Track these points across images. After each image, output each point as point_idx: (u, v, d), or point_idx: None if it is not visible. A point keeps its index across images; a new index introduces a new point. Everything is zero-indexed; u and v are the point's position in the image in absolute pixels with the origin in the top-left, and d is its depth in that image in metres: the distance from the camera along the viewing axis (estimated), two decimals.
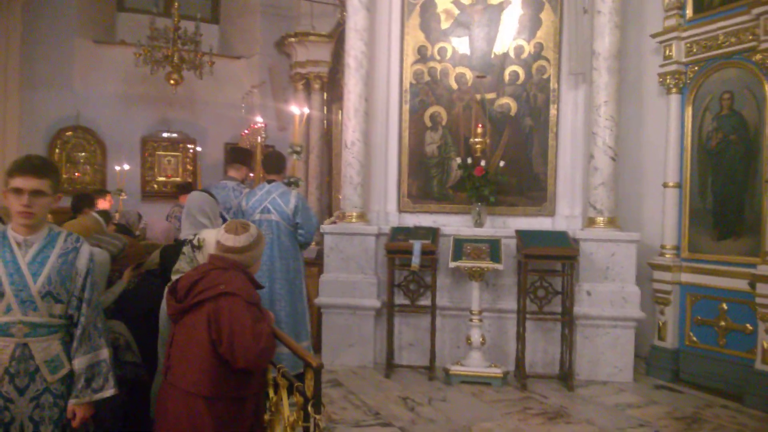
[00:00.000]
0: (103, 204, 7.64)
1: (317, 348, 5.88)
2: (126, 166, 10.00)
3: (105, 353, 2.61)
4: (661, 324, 5.69)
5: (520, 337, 5.46)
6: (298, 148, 5.72)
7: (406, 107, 6.33)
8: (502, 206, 6.13)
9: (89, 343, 2.55)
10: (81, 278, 2.56)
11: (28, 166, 2.44)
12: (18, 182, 2.41)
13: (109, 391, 2.60)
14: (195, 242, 3.19)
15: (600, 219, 5.68)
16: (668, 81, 5.71)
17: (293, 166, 5.95)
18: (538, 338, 5.76)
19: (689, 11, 5.59)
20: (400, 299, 5.82)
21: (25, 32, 9.61)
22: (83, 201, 6.17)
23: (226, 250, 2.75)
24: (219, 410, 2.56)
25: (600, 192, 5.68)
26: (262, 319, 2.67)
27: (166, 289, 2.86)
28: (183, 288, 2.68)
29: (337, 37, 9.32)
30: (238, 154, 6.28)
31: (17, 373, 2.42)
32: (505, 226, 6.07)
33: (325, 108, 10.51)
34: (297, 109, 5.83)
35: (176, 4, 9.80)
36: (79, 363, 2.53)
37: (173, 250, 3.52)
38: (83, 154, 10.56)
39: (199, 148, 7.93)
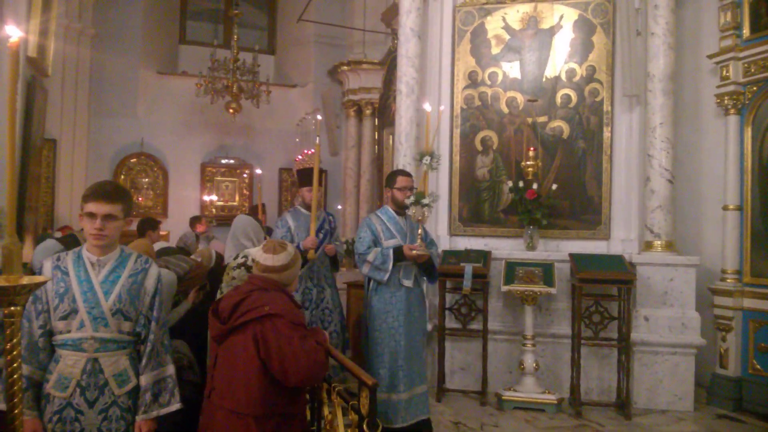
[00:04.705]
0: (200, 228, 8.92)
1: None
2: (213, 197, 10.56)
3: (171, 369, 2.72)
4: (722, 351, 5.50)
5: (575, 363, 5.37)
6: (428, 159, 4.53)
7: (457, 131, 6.39)
8: (554, 229, 6.08)
9: (157, 360, 2.67)
10: (149, 297, 2.69)
11: (101, 192, 2.59)
12: (91, 207, 2.56)
13: (176, 405, 2.70)
14: (244, 262, 3.25)
15: (657, 243, 5.58)
16: (726, 102, 5.60)
17: (423, 178, 4.73)
18: (594, 364, 5.65)
19: (746, 31, 5.49)
20: (451, 323, 5.81)
21: (94, 64, 10.17)
22: (147, 224, 6.42)
23: (265, 269, 2.79)
24: (269, 429, 2.60)
25: (657, 215, 5.58)
26: (308, 336, 2.72)
27: (210, 311, 2.87)
28: (226, 309, 2.70)
29: (388, 64, 9.50)
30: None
31: (88, 387, 2.53)
32: (558, 249, 6.01)
33: (376, 133, 10.68)
34: (428, 105, 4.59)
35: (235, 36, 10.24)
36: (147, 379, 2.64)
37: (220, 273, 3.63)
38: (146, 179, 11.02)
39: (258, 171, 8.20)
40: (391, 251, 4.51)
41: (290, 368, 2.57)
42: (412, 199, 4.43)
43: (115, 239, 2.66)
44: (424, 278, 4.79)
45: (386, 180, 4.90)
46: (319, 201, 5.35)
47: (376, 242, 4.64)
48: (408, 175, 4.83)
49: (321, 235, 5.17)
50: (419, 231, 4.48)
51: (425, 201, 4.38)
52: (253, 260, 2.87)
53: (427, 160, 4.51)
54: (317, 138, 4.84)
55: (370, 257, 4.53)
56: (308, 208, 5.24)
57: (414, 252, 4.43)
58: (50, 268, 2.60)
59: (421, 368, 4.66)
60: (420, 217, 4.41)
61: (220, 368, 2.69)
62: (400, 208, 4.68)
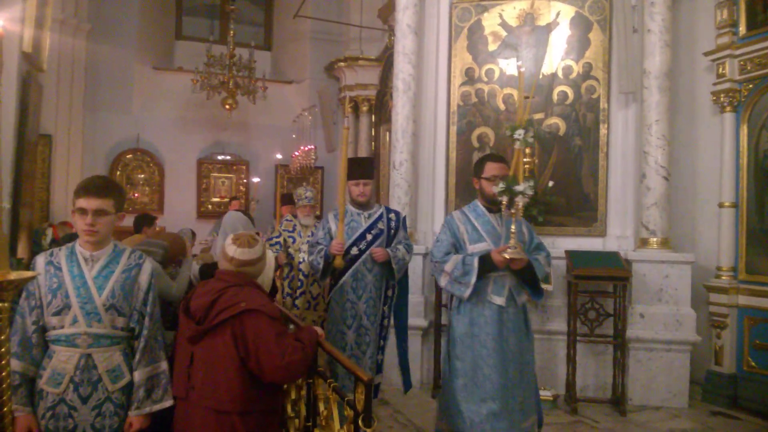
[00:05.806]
0: (234, 206, 9.23)
1: None
2: (256, 179, 10.83)
3: (164, 365, 2.72)
4: (717, 348, 5.52)
5: (571, 360, 5.37)
6: (521, 133, 3.52)
7: (454, 128, 6.38)
8: (550, 226, 6.08)
9: (150, 355, 2.66)
10: (143, 293, 2.68)
11: (91, 187, 2.58)
12: (82, 203, 2.55)
13: (169, 402, 2.69)
14: None
15: (653, 240, 5.58)
16: (722, 99, 5.60)
17: (515, 159, 3.66)
18: (589, 361, 5.65)
19: (742, 28, 5.49)
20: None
21: (89, 59, 10.08)
22: (143, 220, 6.40)
23: (243, 264, 2.74)
24: (252, 424, 2.60)
25: (652, 212, 5.59)
26: (287, 334, 2.70)
27: (180, 309, 2.78)
28: (200, 309, 2.63)
29: (385, 61, 9.48)
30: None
31: (81, 382, 2.52)
32: (555, 246, 6.00)
33: (372, 130, 10.66)
34: (520, 64, 3.46)
35: (231, 32, 10.20)
36: (141, 374, 2.63)
37: (212, 269, 3.60)
38: (142, 175, 10.99)
39: (279, 155, 8.07)
40: (476, 261, 3.51)
41: (266, 366, 2.55)
42: (501, 186, 3.43)
43: (107, 234, 2.65)
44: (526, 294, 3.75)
45: (474, 168, 3.91)
46: (369, 196, 4.59)
47: (457, 247, 3.71)
48: (501, 160, 3.77)
49: (370, 237, 4.41)
50: (512, 229, 3.44)
51: (519, 188, 3.36)
52: (227, 257, 2.76)
53: (520, 134, 3.57)
54: (345, 120, 4.63)
55: (447, 267, 3.60)
56: (357, 204, 4.52)
57: (505, 255, 3.41)
58: (43, 264, 2.59)
59: (526, 401, 3.69)
60: (513, 210, 3.42)
61: (198, 368, 2.63)
62: (492, 203, 3.66)
